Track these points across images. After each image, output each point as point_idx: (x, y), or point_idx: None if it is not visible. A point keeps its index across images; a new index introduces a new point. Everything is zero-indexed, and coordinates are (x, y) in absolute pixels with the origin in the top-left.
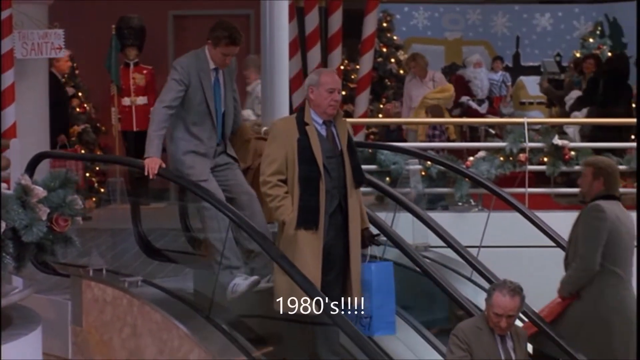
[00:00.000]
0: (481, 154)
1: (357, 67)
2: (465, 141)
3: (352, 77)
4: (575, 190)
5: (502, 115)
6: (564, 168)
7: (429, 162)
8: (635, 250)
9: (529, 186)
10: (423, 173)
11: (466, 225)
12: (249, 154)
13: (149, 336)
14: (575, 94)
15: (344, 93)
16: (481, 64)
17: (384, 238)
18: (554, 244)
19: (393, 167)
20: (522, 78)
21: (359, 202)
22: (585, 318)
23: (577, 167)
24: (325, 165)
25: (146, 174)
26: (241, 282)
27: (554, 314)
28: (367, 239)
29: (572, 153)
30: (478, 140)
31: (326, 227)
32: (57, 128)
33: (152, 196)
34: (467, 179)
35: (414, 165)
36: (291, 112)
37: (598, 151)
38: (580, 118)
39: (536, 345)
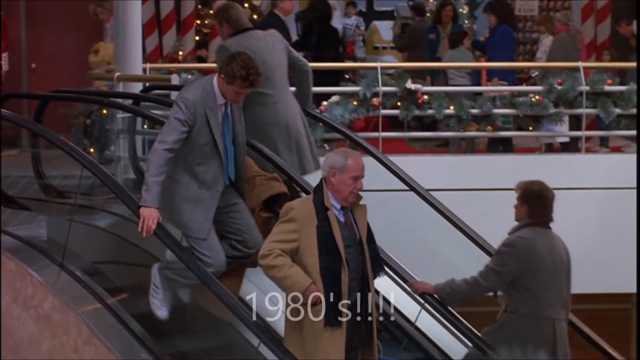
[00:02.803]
0: (335, 98)
1: (211, 12)
2: (319, 86)
3: (206, 22)
4: (429, 134)
5: (355, 60)
6: (417, 112)
7: None
8: None
9: (383, 130)
10: None
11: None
12: (252, 194)
13: (3, 284)
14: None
15: (197, 38)
16: (336, 7)
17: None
18: (407, 188)
19: None
20: (376, 23)
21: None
22: (250, 134)
23: (430, 111)
24: (345, 254)
25: (140, 229)
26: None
27: None
28: None
29: (425, 97)
30: (332, 85)
31: (349, 323)
32: None
33: (4, 143)
34: (321, 124)
35: None
36: (144, 59)
37: (451, 96)
38: None
39: None
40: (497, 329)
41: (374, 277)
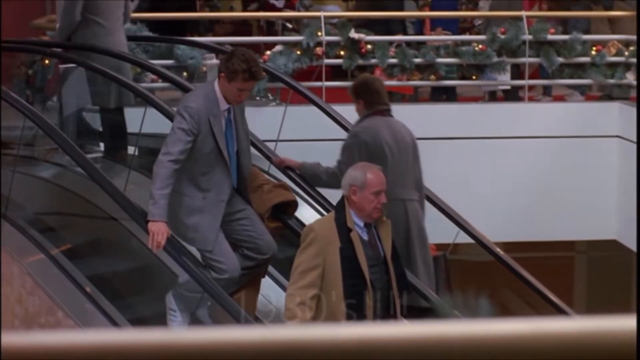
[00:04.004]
0: (278, 48)
1: None
2: (263, 35)
3: None
4: None
5: (299, 10)
6: (360, 61)
7: None
8: None
9: (326, 80)
10: None
11: (264, 119)
12: (260, 200)
13: None
14: None
15: None
16: None
17: None
18: None
19: (190, 62)
20: None
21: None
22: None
23: (373, 61)
24: (369, 275)
25: (150, 245)
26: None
27: None
28: None
29: (369, 46)
30: (275, 35)
31: None
32: None
33: None
34: (264, 73)
35: (211, 60)
36: None
37: (395, 46)
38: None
39: None
40: None
41: (400, 296)
